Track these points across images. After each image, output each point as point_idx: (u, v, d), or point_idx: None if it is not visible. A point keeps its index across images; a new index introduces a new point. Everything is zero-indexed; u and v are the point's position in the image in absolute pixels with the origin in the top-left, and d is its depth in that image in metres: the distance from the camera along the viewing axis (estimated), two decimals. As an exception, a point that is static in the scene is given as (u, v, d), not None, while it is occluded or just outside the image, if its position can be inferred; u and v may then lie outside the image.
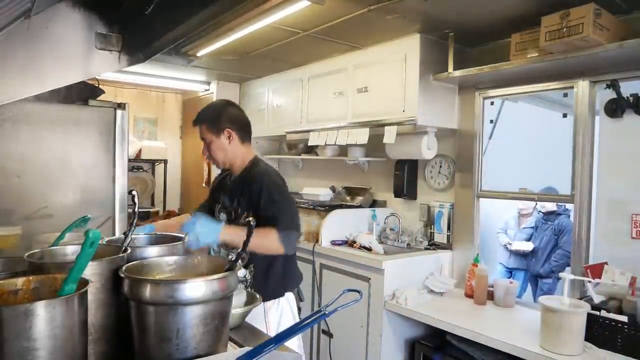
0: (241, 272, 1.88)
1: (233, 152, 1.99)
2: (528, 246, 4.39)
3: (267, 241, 1.77)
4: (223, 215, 2.04)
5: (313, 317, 0.96)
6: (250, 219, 1.15)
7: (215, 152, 1.98)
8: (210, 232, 1.69)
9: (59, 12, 1.57)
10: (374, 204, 3.61)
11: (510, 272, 4.62)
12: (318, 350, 3.13)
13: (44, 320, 0.82)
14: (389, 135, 2.88)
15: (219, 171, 2.30)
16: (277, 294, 1.95)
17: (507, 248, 4.57)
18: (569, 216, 4.17)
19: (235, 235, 1.73)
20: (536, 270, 4.38)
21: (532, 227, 4.57)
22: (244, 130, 2.02)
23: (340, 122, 3.25)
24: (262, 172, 1.94)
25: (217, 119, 1.96)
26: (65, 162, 2.18)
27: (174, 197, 5.18)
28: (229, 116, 1.99)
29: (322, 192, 3.74)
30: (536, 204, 4.47)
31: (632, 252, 2.21)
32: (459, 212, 3.03)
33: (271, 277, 1.93)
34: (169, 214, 4.77)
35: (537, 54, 2.26)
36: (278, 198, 1.85)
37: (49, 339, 0.82)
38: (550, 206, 4.28)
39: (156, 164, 5.02)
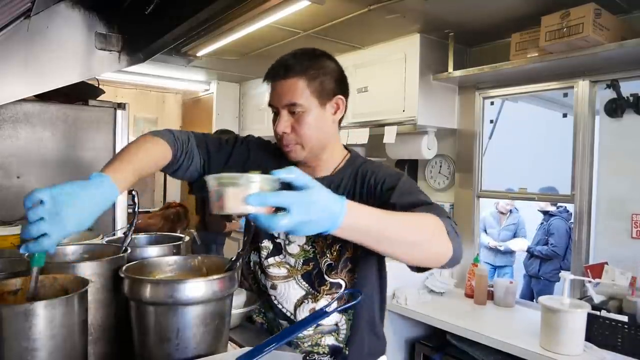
0: (332, 319, 1.21)
1: (331, 135, 1.23)
2: (523, 245, 4.43)
3: (430, 225, 0.94)
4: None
5: (314, 317, 0.96)
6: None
7: (311, 130, 1.17)
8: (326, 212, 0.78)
9: (59, 12, 1.57)
10: (374, 204, 3.61)
11: (495, 269, 4.66)
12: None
13: (44, 320, 0.82)
14: (389, 135, 2.88)
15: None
16: (379, 353, 1.31)
17: (492, 249, 4.61)
18: (564, 219, 4.19)
19: (365, 215, 0.85)
20: (528, 270, 4.45)
21: (515, 224, 4.62)
22: (346, 105, 1.25)
23: (340, 122, 3.24)
24: (392, 169, 1.23)
25: (326, 77, 1.18)
26: (65, 162, 2.18)
27: (173, 197, 5.19)
28: (342, 79, 1.23)
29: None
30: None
31: (632, 252, 2.21)
32: (459, 212, 3.03)
33: (376, 331, 1.28)
34: (169, 206, 4.68)
35: (537, 54, 2.26)
36: (416, 188, 1.15)
37: (49, 339, 0.82)
38: (545, 205, 4.32)
39: (156, 164, 5.02)
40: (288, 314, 1.24)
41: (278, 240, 1.27)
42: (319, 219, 0.77)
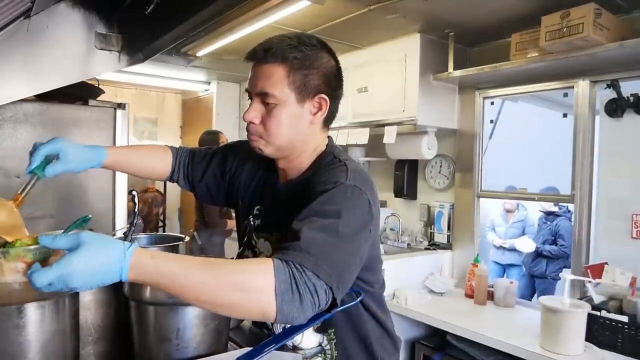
0: (314, 339, 1.12)
1: (307, 139, 1.09)
2: (531, 246, 4.41)
3: (243, 284, 0.77)
4: (263, 243, 1.17)
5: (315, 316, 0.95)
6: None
7: (281, 128, 1.03)
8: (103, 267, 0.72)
9: (59, 12, 1.57)
10: (374, 204, 3.60)
11: (504, 268, 4.66)
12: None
13: (34, 321, 0.81)
14: (389, 135, 2.88)
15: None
16: None
17: (499, 247, 4.61)
18: (569, 219, 4.19)
19: (152, 273, 0.75)
20: (533, 270, 4.44)
21: (522, 221, 4.63)
22: (336, 104, 1.11)
23: (340, 122, 3.24)
24: (340, 173, 1.01)
25: (312, 70, 1.04)
26: (65, 162, 2.17)
27: (173, 197, 5.18)
28: (334, 78, 1.09)
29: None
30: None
31: (632, 252, 2.21)
32: (459, 212, 3.03)
33: (372, 350, 1.15)
34: (147, 190, 4.63)
35: (537, 54, 2.26)
36: (330, 208, 0.91)
37: (39, 340, 0.82)
38: (549, 206, 4.31)
39: (156, 164, 4.99)
40: (270, 326, 1.18)
41: (255, 249, 1.18)
42: (87, 282, 0.71)
